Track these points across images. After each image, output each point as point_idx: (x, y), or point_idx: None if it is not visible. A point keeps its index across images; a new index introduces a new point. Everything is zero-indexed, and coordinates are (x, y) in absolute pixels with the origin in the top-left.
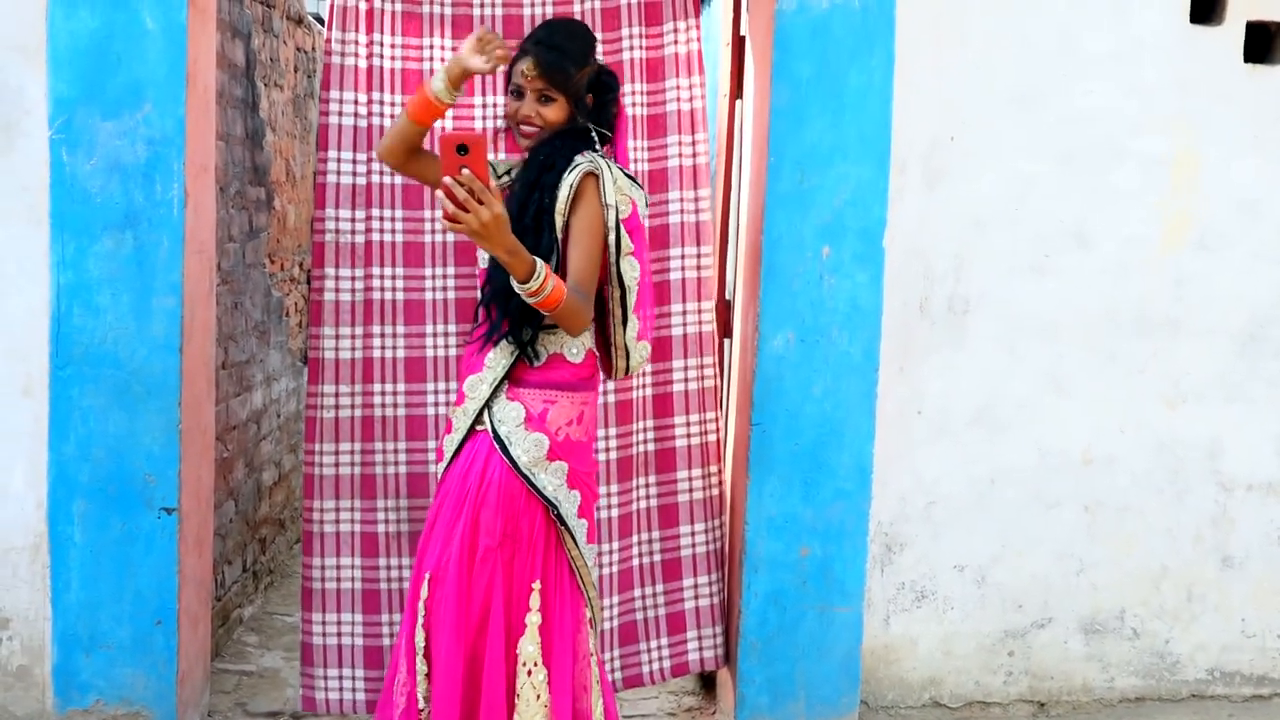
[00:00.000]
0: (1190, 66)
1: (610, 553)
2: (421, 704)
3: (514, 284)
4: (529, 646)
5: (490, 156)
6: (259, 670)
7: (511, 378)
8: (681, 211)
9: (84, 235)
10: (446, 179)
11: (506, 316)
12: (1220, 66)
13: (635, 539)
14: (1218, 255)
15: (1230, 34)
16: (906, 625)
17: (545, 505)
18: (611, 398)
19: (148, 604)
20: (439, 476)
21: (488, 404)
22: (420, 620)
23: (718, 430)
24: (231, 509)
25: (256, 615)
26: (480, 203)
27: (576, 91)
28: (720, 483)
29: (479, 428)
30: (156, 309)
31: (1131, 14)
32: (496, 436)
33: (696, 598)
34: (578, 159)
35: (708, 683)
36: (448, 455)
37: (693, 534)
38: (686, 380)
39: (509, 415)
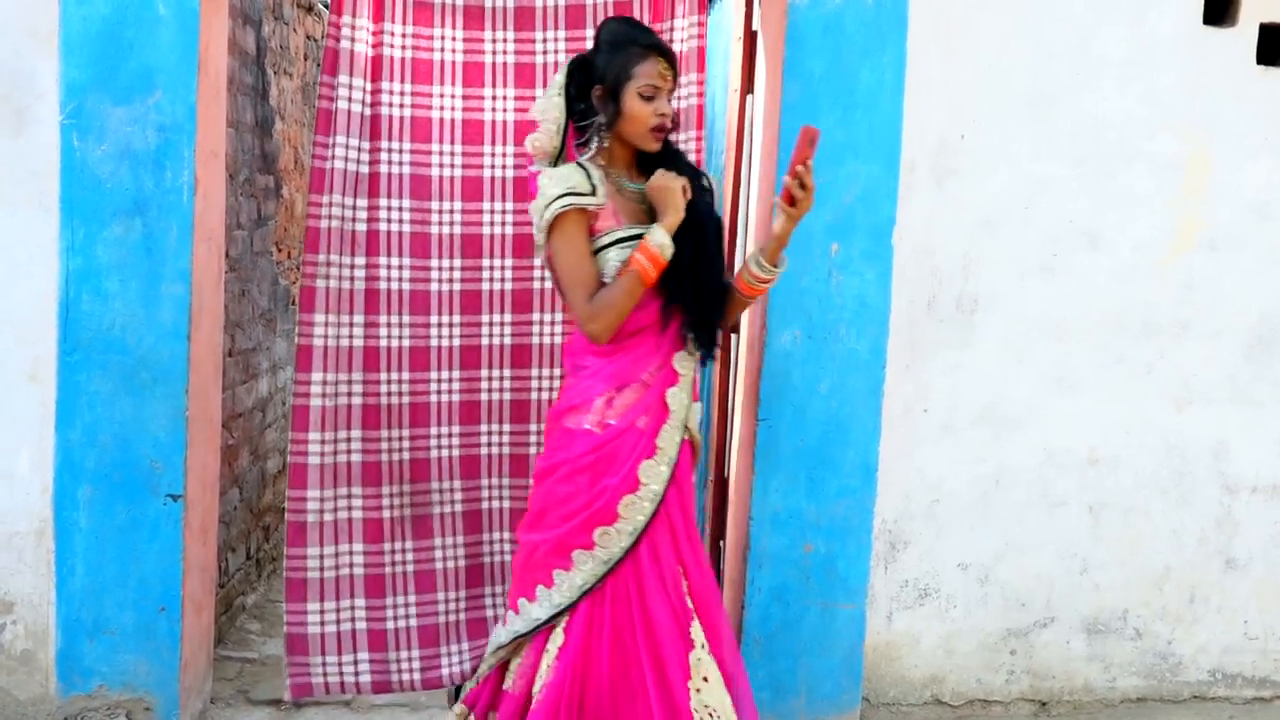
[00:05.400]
0: (1203, 68)
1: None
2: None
3: (759, 270)
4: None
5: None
6: (261, 658)
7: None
8: None
9: (93, 221)
10: (800, 167)
11: (719, 319)
12: (1233, 68)
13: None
14: (1227, 258)
15: (1243, 36)
16: (909, 623)
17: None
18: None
19: (152, 590)
20: (647, 501)
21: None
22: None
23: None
24: (236, 497)
25: (259, 603)
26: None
27: None
28: None
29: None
30: (165, 295)
31: (1144, 15)
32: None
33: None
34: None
35: None
36: (663, 480)
37: None
38: None
39: (696, 416)
